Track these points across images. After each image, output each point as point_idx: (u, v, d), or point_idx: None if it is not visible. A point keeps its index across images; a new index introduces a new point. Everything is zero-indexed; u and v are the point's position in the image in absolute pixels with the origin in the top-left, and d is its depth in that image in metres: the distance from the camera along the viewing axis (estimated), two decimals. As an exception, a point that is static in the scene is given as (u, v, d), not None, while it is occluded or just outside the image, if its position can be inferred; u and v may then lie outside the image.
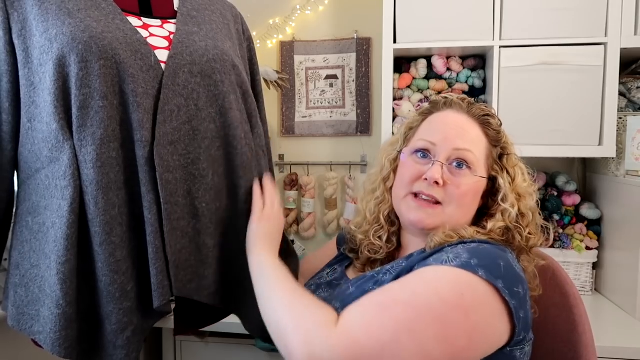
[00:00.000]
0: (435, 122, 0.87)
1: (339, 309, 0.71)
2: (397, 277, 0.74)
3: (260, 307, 0.76)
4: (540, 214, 0.85)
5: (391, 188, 0.89)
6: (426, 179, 0.80)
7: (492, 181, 0.83)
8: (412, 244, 0.86)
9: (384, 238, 0.89)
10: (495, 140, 0.84)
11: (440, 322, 0.63)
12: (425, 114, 0.90)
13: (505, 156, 0.84)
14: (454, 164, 0.80)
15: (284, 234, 0.96)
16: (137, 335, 0.81)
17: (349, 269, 0.94)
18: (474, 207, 0.83)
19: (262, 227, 0.86)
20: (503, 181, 0.82)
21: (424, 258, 0.75)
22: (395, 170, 0.89)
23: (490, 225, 0.79)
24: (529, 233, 0.80)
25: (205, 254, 0.86)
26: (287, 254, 0.99)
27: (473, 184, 0.80)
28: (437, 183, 0.79)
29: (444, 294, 0.64)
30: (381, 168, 0.93)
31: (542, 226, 0.84)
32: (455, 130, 0.83)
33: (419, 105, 1.60)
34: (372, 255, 0.89)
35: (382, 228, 0.89)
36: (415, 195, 0.82)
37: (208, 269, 0.86)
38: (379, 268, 0.82)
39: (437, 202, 0.80)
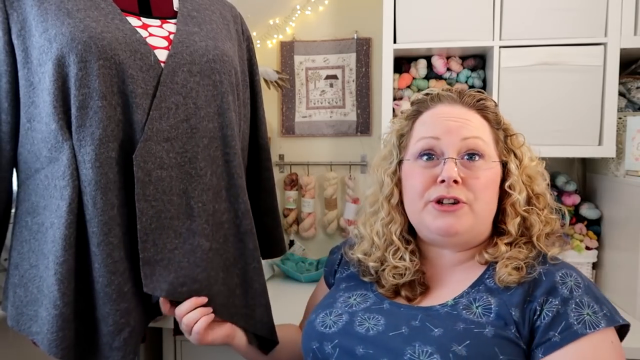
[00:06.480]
0: (429, 119, 0.79)
1: (433, 354, 0.64)
2: (496, 318, 0.68)
3: None
4: (552, 195, 0.79)
5: (397, 205, 0.81)
6: (443, 181, 0.71)
7: (502, 167, 0.77)
8: (440, 257, 0.80)
9: (407, 258, 0.79)
10: (497, 122, 0.79)
11: None
12: (413, 116, 0.82)
13: (510, 137, 0.79)
14: (466, 156, 0.73)
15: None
16: (133, 336, 0.80)
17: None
18: (496, 200, 0.76)
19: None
20: (511, 164, 0.76)
21: (527, 298, 0.68)
22: (398, 185, 0.81)
23: (511, 227, 0.74)
24: (546, 216, 0.76)
25: (199, 257, 0.82)
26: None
27: (490, 173, 0.74)
28: (456, 182, 0.71)
29: None
30: (381, 186, 0.83)
31: (555, 209, 0.79)
32: (456, 121, 0.75)
33: (418, 105, 1.60)
34: (398, 281, 0.78)
35: (398, 249, 0.80)
36: (438, 202, 0.72)
37: (202, 273, 0.82)
38: (452, 302, 0.73)
39: (461, 202, 0.72)
